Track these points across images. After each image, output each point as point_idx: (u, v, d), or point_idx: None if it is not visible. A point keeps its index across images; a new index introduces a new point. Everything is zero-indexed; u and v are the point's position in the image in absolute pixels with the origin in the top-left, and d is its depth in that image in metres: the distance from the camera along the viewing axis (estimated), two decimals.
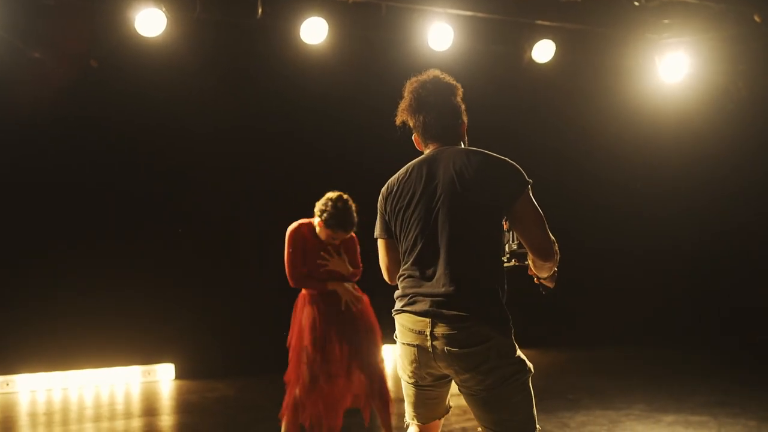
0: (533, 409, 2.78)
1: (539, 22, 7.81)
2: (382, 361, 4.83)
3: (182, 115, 7.45)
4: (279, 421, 4.71)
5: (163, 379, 7.56)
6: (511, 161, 2.81)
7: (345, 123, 7.95)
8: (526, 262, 2.91)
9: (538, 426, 2.79)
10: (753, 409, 5.96)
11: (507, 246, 2.90)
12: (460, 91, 2.98)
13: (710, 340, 9.15)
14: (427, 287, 2.74)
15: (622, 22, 8.02)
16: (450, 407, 2.99)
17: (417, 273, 2.78)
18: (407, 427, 3.02)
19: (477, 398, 2.74)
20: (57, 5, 6.60)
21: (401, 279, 2.86)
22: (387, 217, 2.93)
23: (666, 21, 8.02)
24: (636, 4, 7.70)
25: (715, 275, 9.56)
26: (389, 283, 3.02)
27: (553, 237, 2.78)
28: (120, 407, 6.58)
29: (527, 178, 2.77)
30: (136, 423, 6.07)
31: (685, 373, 7.65)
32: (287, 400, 4.69)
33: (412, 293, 2.78)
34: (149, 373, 7.53)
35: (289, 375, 4.72)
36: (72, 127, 7.24)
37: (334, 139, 8.06)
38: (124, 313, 7.30)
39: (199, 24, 6.97)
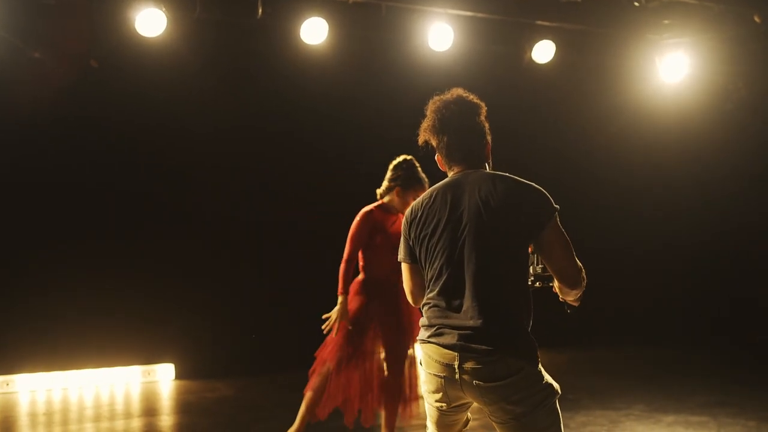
0: (560, 429, 2.78)
1: (539, 22, 7.82)
2: (403, 361, 4.84)
3: (182, 115, 7.45)
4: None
5: (162, 379, 7.55)
6: (537, 187, 2.77)
7: (345, 123, 7.95)
8: (551, 284, 2.90)
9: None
10: (752, 409, 5.97)
11: (531, 268, 2.88)
12: (484, 110, 2.95)
13: (710, 341, 9.15)
14: (454, 319, 2.71)
15: (622, 22, 8.03)
16: (470, 420, 2.98)
17: (443, 303, 2.75)
18: None
19: (507, 426, 2.72)
20: (57, 5, 6.60)
21: (427, 307, 2.82)
22: (411, 243, 2.88)
23: (666, 21, 8.03)
24: (636, 4, 7.70)
25: (714, 275, 9.56)
26: (413, 305, 3.02)
27: (580, 264, 2.77)
28: (120, 407, 6.58)
29: (554, 205, 2.74)
30: (136, 423, 6.07)
31: (684, 373, 7.65)
32: (315, 378, 4.75)
33: (439, 324, 2.74)
34: (149, 373, 7.52)
35: (322, 351, 4.78)
36: (72, 127, 7.24)
37: (334, 139, 8.06)
38: (124, 313, 7.30)
39: (199, 24, 6.97)
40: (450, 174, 2.93)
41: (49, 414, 6.35)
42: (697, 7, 7.79)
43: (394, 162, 4.88)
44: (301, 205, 8.00)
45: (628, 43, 8.33)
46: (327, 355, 4.76)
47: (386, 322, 4.80)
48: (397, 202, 4.82)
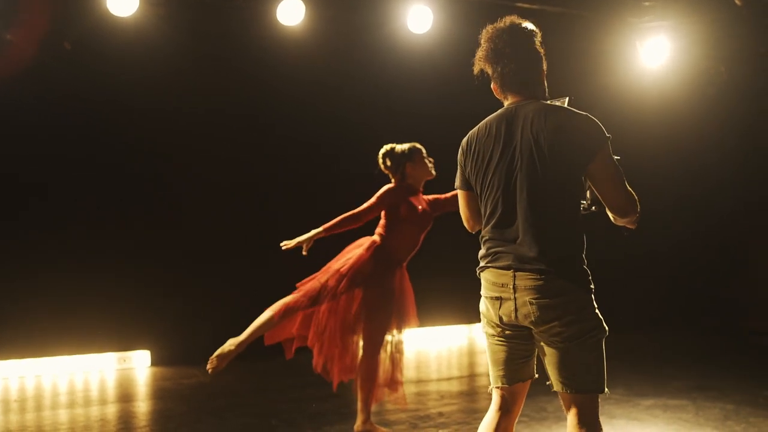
0: (604, 371, 2.84)
1: (520, 4, 7.73)
2: (378, 344, 4.73)
3: (155, 98, 7.33)
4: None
5: (138, 366, 7.46)
6: (588, 117, 2.80)
7: (322, 105, 7.86)
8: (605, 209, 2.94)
9: (606, 389, 2.84)
10: (730, 392, 5.97)
11: (588, 193, 2.92)
12: (539, 36, 2.95)
13: (689, 326, 9.15)
14: (510, 247, 2.81)
15: (603, 5, 7.97)
16: (535, 375, 3.02)
17: (498, 235, 2.85)
18: (491, 393, 3.06)
19: (554, 349, 2.79)
20: None
21: (484, 240, 2.94)
22: (467, 174, 2.98)
23: (647, 3, 7.97)
24: None
25: (695, 260, 9.56)
26: (470, 231, 3.15)
27: (632, 192, 2.80)
28: (94, 394, 6.49)
29: (605, 134, 2.77)
30: (111, 409, 5.99)
31: (663, 357, 7.65)
32: (283, 306, 4.59)
33: (495, 251, 2.86)
34: (124, 360, 7.42)
35: (303, 284, 4.67)
36: (43, 111, 7.10)
37: (309, 122, 7.96)
38: (99, 299, 7.19)
39: (172, 4, 6.86)
40: (506, 103, 2.97)
41: (21, 401, 6.24)
42: None
43: (382, 152, 4.87)
44: (277, 190, 7.92)
45: (609, 26, 8.28)
46: (307, 288, 4.62)
47: (374, 299, 4.68)
48: (415, 176, 4.81)
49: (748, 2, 7.71)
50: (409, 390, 6.43)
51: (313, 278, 4.67)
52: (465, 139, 3.03)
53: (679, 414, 5.38)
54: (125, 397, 6.42)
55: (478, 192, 2.94)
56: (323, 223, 4.59)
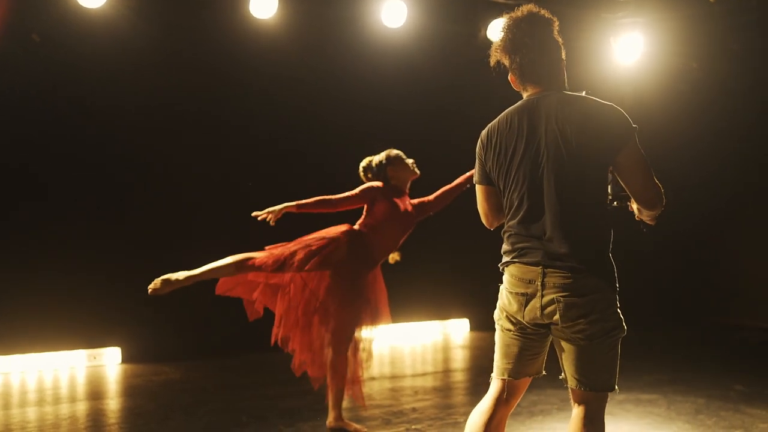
0: (617, 369, 2.81)
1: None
2: (346, 341, 4.67)
3: (125, 92, 7.25)
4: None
5: (109, 363, 7.37)
6: (614, 107, 2.73)
7: (294, 100, 7.81)
8: (629, 203, 2.91)
9: (617, 387, 2.82)
10: (701, 386, 5.99)
11: (609, 187, 2.86)
12: (557, 25, 2.88)
13: (662, 320, 9.20)
14: (538, 243, 2.74)
15: (577, 0, 7.96)
16: (543, 372, 2.98)
17: (525, 231, 2.77)
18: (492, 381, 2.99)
19: (574, 346, 2.75)
20: None
21: (508, 235, 2.85)
22: (488, 168, 2.89)
23: None
24: None
25: (669, 256, 9.61)
26: (488, 227, 3.06)
27: (659, 184, 2.76)
28: (64, 392, 6.39)
29: (632, 125, 2.71)
30: (81, 407, 5.90)
31: (635, 352, 7.61)
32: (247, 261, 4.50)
33: (522, 246, 2.78)
34: (95, 357, 7.33)
35: (273, 247, 4.57)
36: (10, 104, 6.98)
37: (281, 117, 7.91)
38: (68, 296, 7.11)
39: None
40: (525, 95, 2.89)
41: None
42: None
43: (362, 167, 4.93)
44: (249, 186, 7.85)
45: (583, 22, 8.28)
46: (275, 252, 4.51)
47: (341, 292, 4.61)
48: (398, 178, 4.82)
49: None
50: (383, 386, 6.40)
51: (284, 245, 4.60)
52: (484, 133, 2.93)
53: (651, 408, 5.39)
54: (95, 394, 6.33)
55: (501, 187, 2.85)
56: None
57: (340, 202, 4.58)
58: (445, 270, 8.77)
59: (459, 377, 7.04)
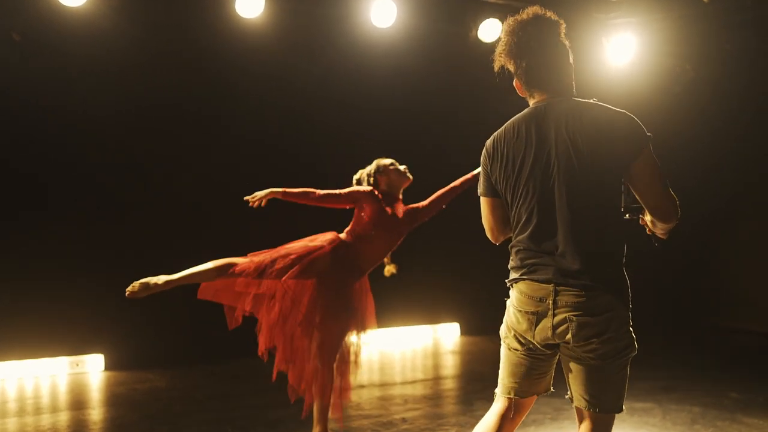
0: (625, 390, 2.70)
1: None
2: (332, 352, 4.54)
3: (108, 93, 7.09)
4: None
5: (92, 370, 7.20)
6: (627, 115, 2.59)
7: (281, 100, 7.67)
8: (641, 215, 2.77)
9: (624, 407, 2.72)
10: (697, 395, 5.90)
11: (621, 199, 2.71)
12: (563, 28, 2.73)
13: (657, 325, 9.11)
14: (549, 259, 2.62)
15: (569, 0, 7.84)
16: (552, 389, 2.88)
17: (535, 246, 2.65)
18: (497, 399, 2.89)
19: (583, 365, 2.64)
20: None
21: (517, 250, 2.72)
22: (494, 180, 2.75)
23: (613, 0, 7.87)
24: None
25: (663, 260, 9.51)
26: (494, 242, 2.92)
27: (674, 195, 2.62)
28: (45, 401, 6.23)
29: (646, 133, 2.57)
30: (62, 417, 5.74)
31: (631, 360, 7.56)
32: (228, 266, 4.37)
33: (532, 262, 2.66)
34: (77, 365, 7.16)
35: (256, 255, 4.44)
36: None
37: (268, 118, 7.78)
38: (49, 301, 6.94)
39: None
40: (531, 102, 2.76)
41: None
42: None
43: (354, 181, 4.81)
44: (235, 188, 7.68)
45: (575, 23, 8.15)
46: (258, 259, 4.39)
47: (326, 302, 4.47)
48: (391, 184, 4.72)
49: None
50: (372, 394, 6.27)
51: (267, 252, 4.47)
52: (489, 142, 2.80)
53: (647, 418, 5.28)
54: (77, 404, 6.17)
55: (509, 200, 2.72)
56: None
57: (325, 197, 4.47)
58: (436, 274, 8.64)
59: (450, 385, 6.91)
